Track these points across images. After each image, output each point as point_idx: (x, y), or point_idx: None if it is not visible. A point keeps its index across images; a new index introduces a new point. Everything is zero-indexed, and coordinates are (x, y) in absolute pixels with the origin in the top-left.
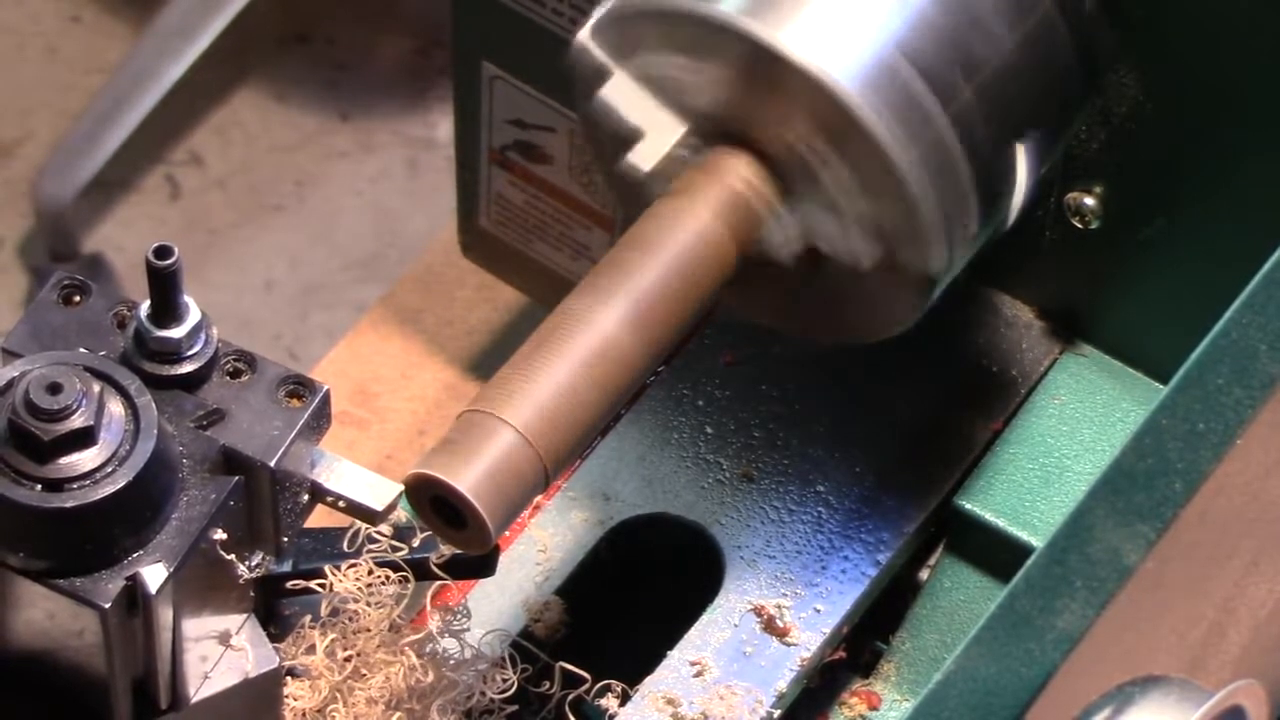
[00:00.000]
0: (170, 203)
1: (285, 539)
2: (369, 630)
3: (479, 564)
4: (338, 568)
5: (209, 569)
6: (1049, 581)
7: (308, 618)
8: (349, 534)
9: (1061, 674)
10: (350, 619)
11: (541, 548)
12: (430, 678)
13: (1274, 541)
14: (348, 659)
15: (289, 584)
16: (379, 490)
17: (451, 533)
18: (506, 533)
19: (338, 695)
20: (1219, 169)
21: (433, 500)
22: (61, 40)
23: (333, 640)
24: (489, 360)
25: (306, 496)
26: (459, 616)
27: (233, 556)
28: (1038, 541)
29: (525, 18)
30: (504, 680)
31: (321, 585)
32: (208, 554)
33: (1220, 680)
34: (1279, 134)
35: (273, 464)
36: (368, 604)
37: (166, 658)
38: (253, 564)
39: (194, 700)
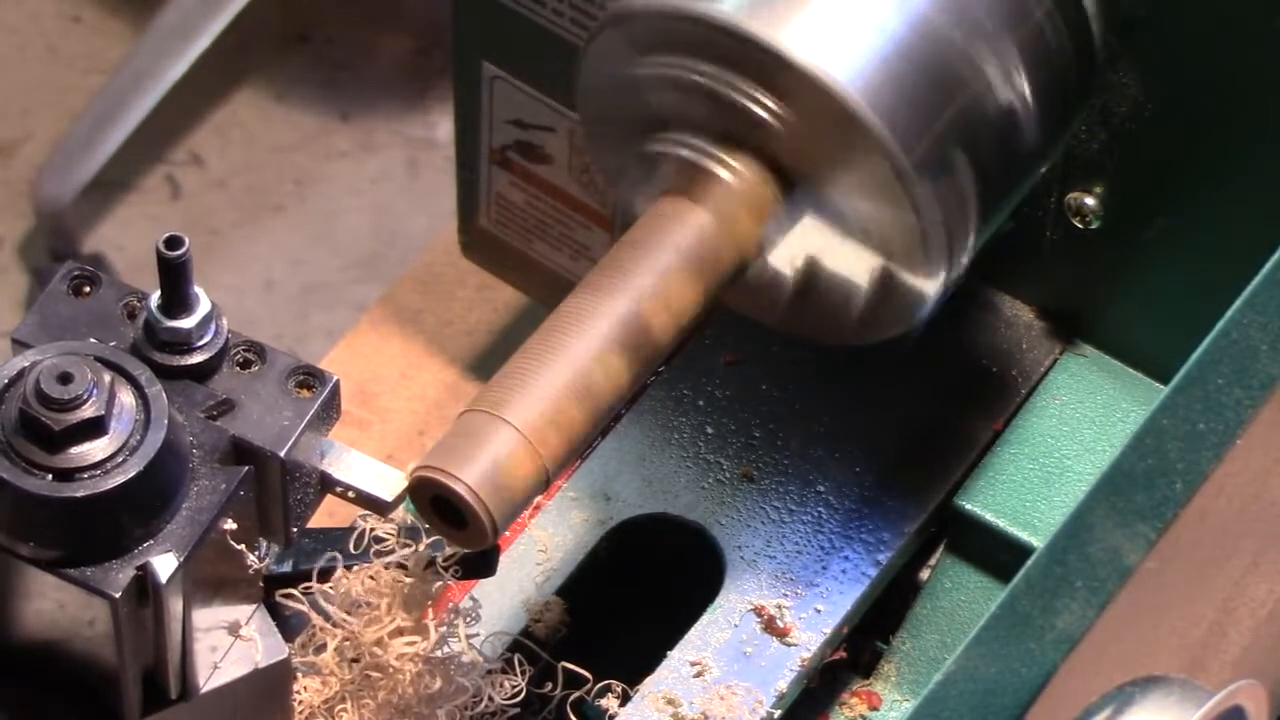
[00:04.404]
0: (170, 203)
1: (294, 530)
2: (377, 633)
3: (479, 564)
4: (348, 568)
5: (219, 559)
6: (1049, 581)
7: (318, 619)
8: (355, 535)
9: (1061, 674)
10: (359, 620)
11: (541, 548)
12: (439, 683)
13: (1274, 541)
14: (355, 659)
15: (300, 586)
16: (388, 481)
17: (452, 532)
18: (506, 533)
19: (346, 696)
20: (1219, 169)
21: (434, 500)
22: (61, 40)
23: (342, 640)
24: (489, 360)
25: (316, 486)
26: (469, 620)
27: (243, 546)
28: (1038, 541)
29: (525, 18)
30: (512, 686)
31: (331, 587)
32: (218, 544)
33: (1220, 680)
34: (1278, 134)
35: (283, 454)
36: (377, 605)
37: (176, 647)
38: (262, 554)
39: (204, 690)
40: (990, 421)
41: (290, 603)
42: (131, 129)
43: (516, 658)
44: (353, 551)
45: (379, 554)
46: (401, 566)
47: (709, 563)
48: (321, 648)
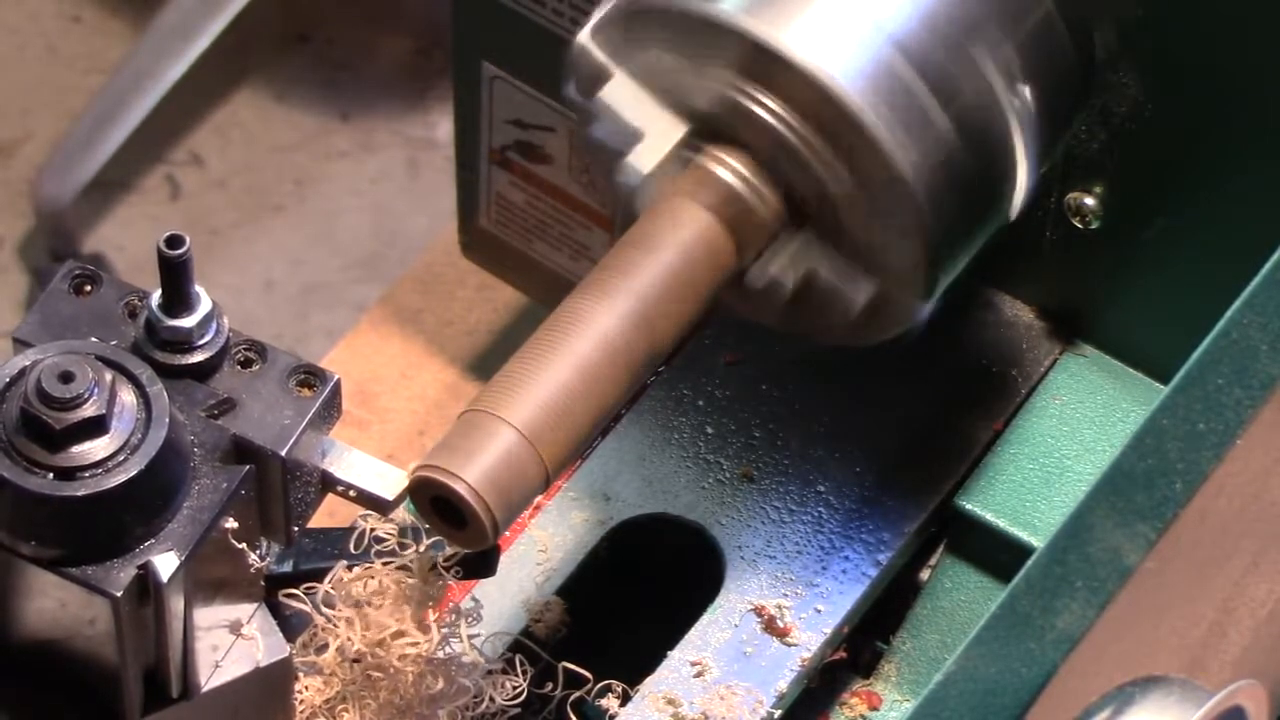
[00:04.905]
0: (170, 203)
1: (295, 529)
2: (380, 633)
3: (479, 564)
4: (350, 568)
5: (220, 558)
6: (1049, 581)
7: (320, 619)
8: (355, 535)
9: (1062, 674)
10: (361, 620)
11: (541, 548)
12: (440, 683)
13: (1274, 541)
14: (356, 660)
15: (303, 585)
16: (389, 480)
17: (452, 532)
18: (506, 533)
19: (347, 696)
20: (1219, 169)
21: (434, 500)
22: (61, 40)
23: (344, 640)
24: (489, 360)
25: (317, 485)
26: (471, 620)
27: (244, 545)
28: (1038, 541)
29: (525, 18)
30: (513, 687)
31: (334, 587)
32: (219, 543)
33: (1220, 680)
34: (1278, 134)
35: (284, 453)
36: (379, 605)
37: (178, 646)
38: (263, 553)
39: (205, 689)
40: (990, 421)
41: (293, 602)
42: (131, 129)
43: (517, 658)
44: (353, 551)
45: (379, 554)
46: (404, 568)
47: (709, 563)
48: (323, 647)
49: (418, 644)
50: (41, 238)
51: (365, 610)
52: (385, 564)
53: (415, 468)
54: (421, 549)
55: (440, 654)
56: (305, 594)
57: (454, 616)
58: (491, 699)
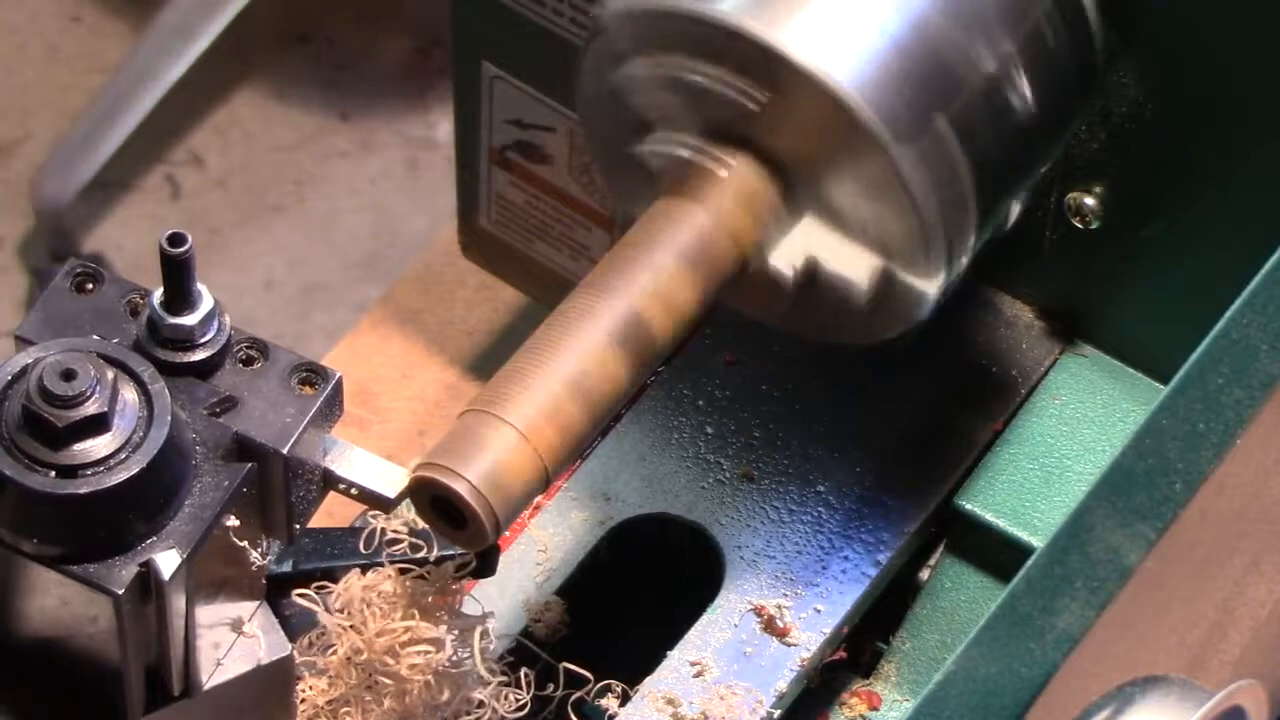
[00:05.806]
0: (170, 203)
1: (297, 527)
2: (390, 640)
3: (479, 564)
4: (363, 570)
5: (222, 556)
6: (1049, 581)
7: (324, 622)
8: (365, 534)
9: (1062, 674)
10: (372, 624)
11: (541, 548)
12: (446, 693)
13: (1274, 541)
14: (362, 664)
15: (312, 584)
16: (390, 477)
17: (452, 532)
18: (506, 533)
19: (350, 699)
20: (1219, 169)
21: (433, 500)
22: (61, 40)
23: (353, 644)
24: (489, 360)
25: (318, 483)
26: (485, 636)
27: (246, 543)
28: (1038, 541)
29: (525, 18)
30: (517, 699)
31: (345, 588)
32: (221, 541)
33: (1220, 680)
34: (1278, 134)
35: (285, 451)
36: (391, 611)
37: (179, 644)
38: (265, 551)
39: (206, 687)
40: (990, 421)
41: (304, 602)
42: (131, 129)
43: (523, 671)
44: (363, 551)
45: (392, 559)
46: (420, 577)
47: (709, 563)
48: (329, 648)
49: (430, 654)
50: (41, 238)
51: (377, 615)
52: (400, 572)
53: (415, 467)
54: (434, 554)
55: (448, 662)
56: (318, 592)
57: (468, 631)
58: (494, 710)
